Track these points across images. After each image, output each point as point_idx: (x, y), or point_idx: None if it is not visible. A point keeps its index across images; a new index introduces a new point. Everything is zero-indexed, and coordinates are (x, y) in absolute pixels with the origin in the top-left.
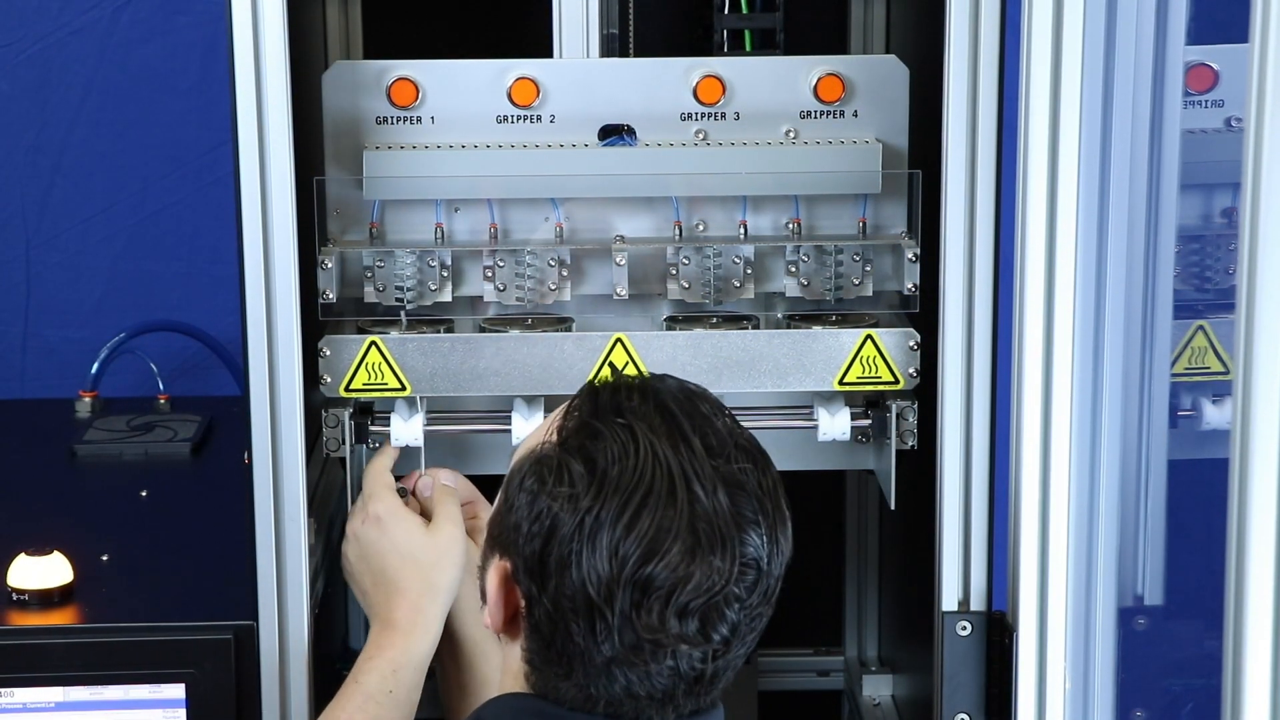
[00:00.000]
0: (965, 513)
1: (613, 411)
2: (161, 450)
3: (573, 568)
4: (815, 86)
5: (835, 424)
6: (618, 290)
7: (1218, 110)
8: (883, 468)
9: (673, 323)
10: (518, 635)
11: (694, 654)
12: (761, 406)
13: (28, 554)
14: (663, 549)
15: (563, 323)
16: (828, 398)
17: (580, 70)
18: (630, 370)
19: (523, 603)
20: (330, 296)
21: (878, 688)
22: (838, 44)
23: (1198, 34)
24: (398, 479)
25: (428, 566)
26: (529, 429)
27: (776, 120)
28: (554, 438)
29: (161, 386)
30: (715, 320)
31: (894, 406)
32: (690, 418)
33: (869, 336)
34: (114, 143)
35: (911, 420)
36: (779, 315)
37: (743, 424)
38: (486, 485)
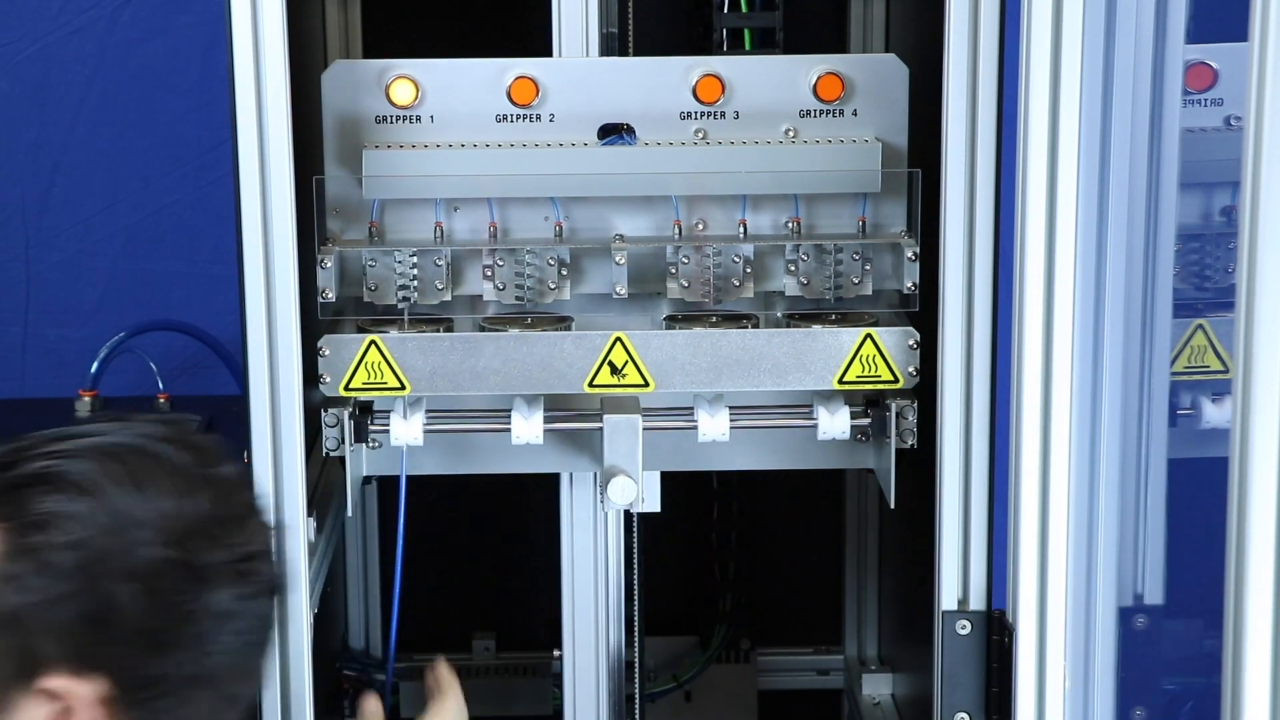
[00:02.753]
0: (965, 512)
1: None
2: None
3: None
4: (815, 85)
5: (835, 423)
6: (617, 289)
7: (1217, 109)
8: (882, 467)
9: (672, 322)
10: None
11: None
12: (761, 405)
13: None
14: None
15: (562, 322)
16: (827, 396)
17: (580, 69)
18: (631, 370)
19: None
20: (330, 296)
21: (877, 686)
22: (837, 43)
23: (1197, 33)
24: None
25: None
26: (529, 428)
27: (776, 119)
28: None
29: (161, 386)
30: (715, 319)
31: (893, 405)
32: None
33: (868, 335)
34: (114, 142)
35: (911, 419)
36: (779, 314)
37: (737, 424)
38: (486, 484)
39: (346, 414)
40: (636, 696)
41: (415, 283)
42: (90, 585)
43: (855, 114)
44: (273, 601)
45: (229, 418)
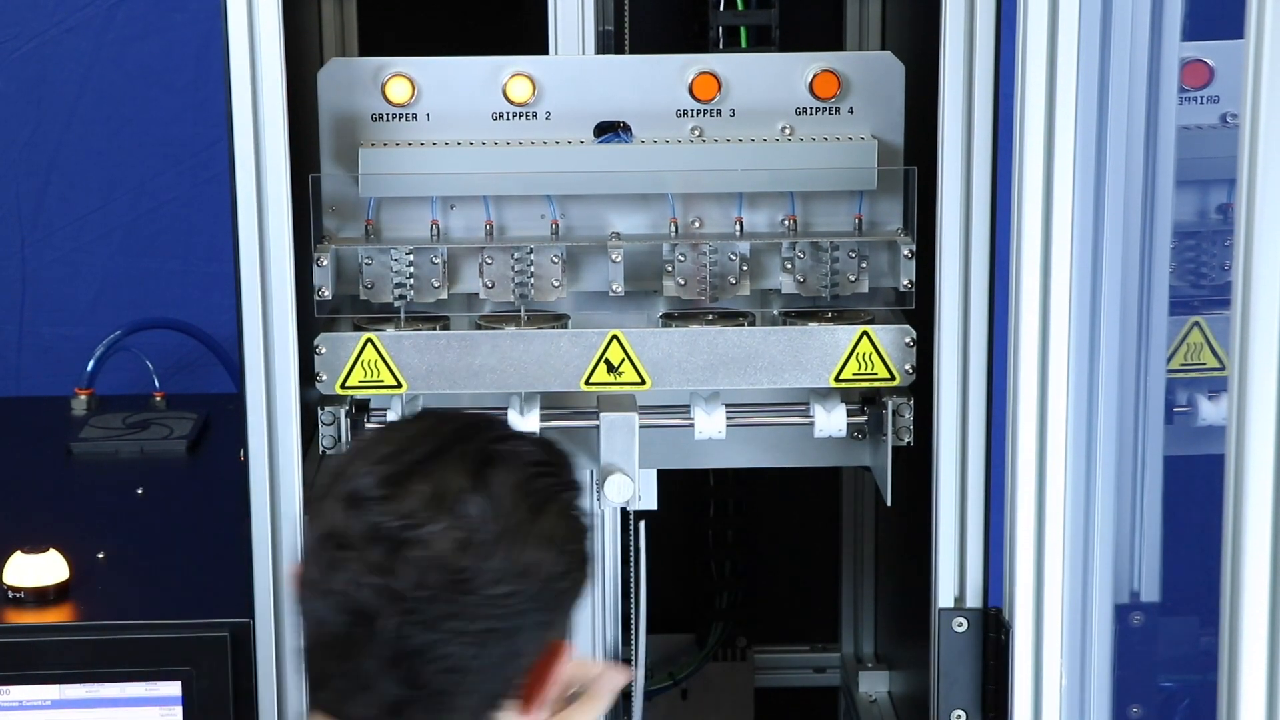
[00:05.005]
0: (961, 509)
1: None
2: (157, 448)
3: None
4: (811, 83)
5: (831, 420)
6: (614, 287)
7: (1213, 106)
8: (879, 464)
9: (669, 319)
10: None
11: (367, 584)
12: (758, 403)
13: (24, 551)
14: (370, 467)
15: (559, 320)
16: (824, 394)
17: (576, 67)
18: (627, 368)
19: None
20: (326, 294)
21: (874, 684)
22: (833, 40)
23: (1193, 30)
24: None
25: None
26: (525, 426)
27: (772, 117)
28: None
29: (157, 384)
30: (711, 317)
31: (890, 403)
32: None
33: (865, 333)
34: (109, 140)
35: (908, 416)
36: (775, 312)
37: (733, 421)
38: None
39: (343, 412)
40: (633, 694)
41: (411, 281)
42: None
43: (851, 112)
44: None
45: (225, 416)
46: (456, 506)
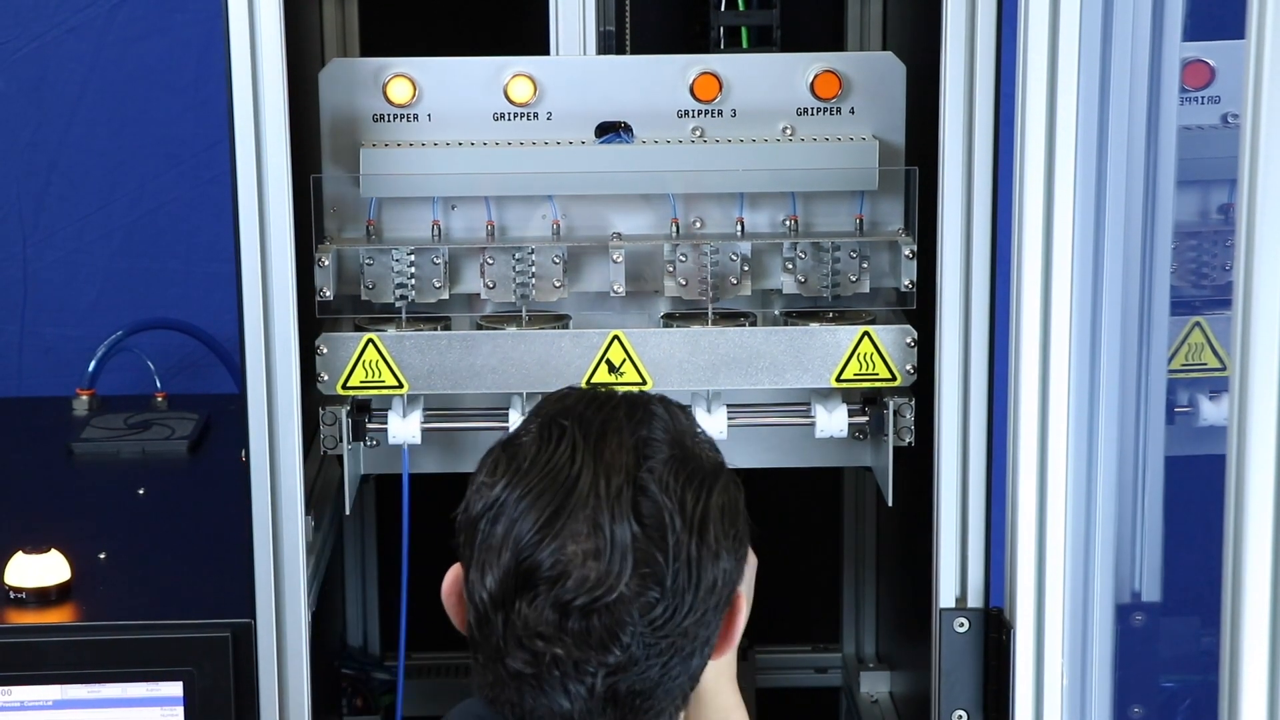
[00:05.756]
0: (963, 509)
1: (562, 413)
2: (159, 448)
3: (477, 554)
4: (812, 83)
5: (833, 421)
6: (615, 287)
7: (1214, 106)
8: (880, 464)
9: (670, 320)
10: None
11: (584, 665)
12: (759, 404)
13: (25, 552)
14: (550, 539)
15: (560, 320)
16: (825, 395)
17: (577, 68)
18: (629, 368)
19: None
20: (327, 294)
21: (875, 684)
22: (834, 41)
23: (1194, 30)
24: None
25: None
26: None
27: (773, 117)
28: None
29: (159, 384)
30: (713, 317)
31: (891, 403)
32: (635, 425)
33: (866, 333)
34: (111, 140)
35: (909, 417)
36: (776, 312)
37: (734, 422)
38: None
39: (344, 412)
40: None
41: (413, 281)
42: None
43: (853, 112)
44: None
45: (227, 416)
46: (638, 567)
